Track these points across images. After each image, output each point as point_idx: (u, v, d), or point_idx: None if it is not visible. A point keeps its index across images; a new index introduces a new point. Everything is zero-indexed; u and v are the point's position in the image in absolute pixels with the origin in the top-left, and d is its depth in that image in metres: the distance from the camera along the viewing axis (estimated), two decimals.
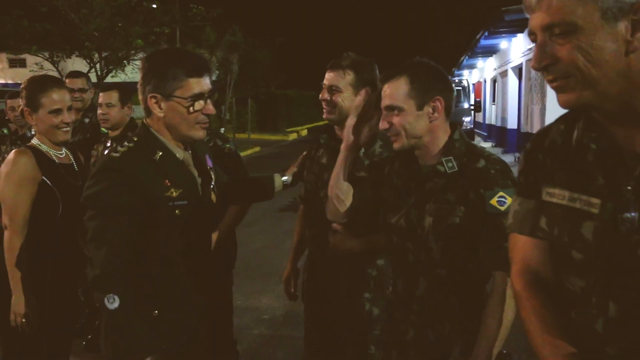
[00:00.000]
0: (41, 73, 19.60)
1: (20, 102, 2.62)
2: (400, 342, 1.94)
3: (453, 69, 29.35)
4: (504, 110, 19.34)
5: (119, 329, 1.76)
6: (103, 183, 1.77)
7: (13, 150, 2.57)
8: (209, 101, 1.86)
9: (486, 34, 15.97)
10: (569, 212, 1.19)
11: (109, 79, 20.00)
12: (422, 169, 1.90)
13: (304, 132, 30.73)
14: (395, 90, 1.84)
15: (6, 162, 2.52)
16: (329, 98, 2.39)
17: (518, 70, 17.17)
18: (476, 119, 24.31)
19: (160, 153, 1.85)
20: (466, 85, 18.97)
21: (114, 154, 1.82)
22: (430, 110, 1.84)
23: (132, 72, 20.52)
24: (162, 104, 1.82)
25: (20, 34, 18.87)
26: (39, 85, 2.57)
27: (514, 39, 16.84)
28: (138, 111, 3.12)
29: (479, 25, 17.39)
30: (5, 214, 2.50)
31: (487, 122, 24.08)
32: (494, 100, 22.51)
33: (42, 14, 18.42)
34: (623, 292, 1.11)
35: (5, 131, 5.15)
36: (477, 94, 26.81)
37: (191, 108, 1.82)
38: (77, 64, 20.91)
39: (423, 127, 1.85)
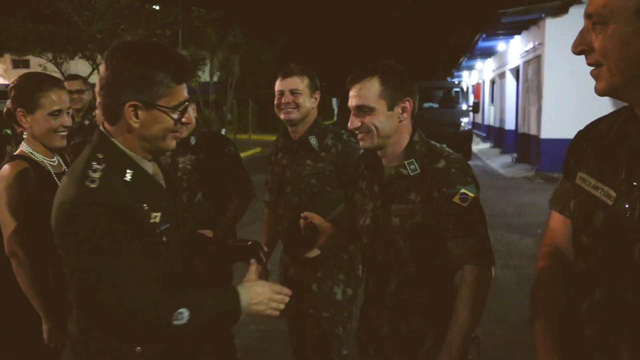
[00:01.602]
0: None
1: (8, 102, 2.33)
2: (376, 337, 2.01)
3: (452, 70, 29.44)
4: (502, 111, 19.43)
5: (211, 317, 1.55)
6: (85, 222, 1.45)
7: (7, 165, 2.26)
8: (189, 109, 1.67)
9: (484, 36, 16.08)
10: (589, 199, 1.25)
11: None
12: (386, 171, 1.97)
13: None
14: (367, 91, 1.89)
15: (1, 180, 2.22)
16: (291, 100, 2.69)
17: (515, 72, 17.27)
18: (475, 120, 24.40)
19: (131, 172, 1.55)
20: (464, 87, 19.06)
21: (90, 183, 1.47)
22: (400, 111, 1.90)
23: None
24: (140, 113, 1.52)
25: (24, 35, 19.00)
26: (36, 84, 2.29)
27: (511, 41, 16.94)
28: None
29: (478, 27, 17.52)
30: (10, 240, 2.21)
31: (486, 123, 24.17)
32: (492, 102, 22.62)
33: (45, 15, 18.53)
34: (611, 282, 1.18)
35: (9, 132, 5.29)
36: (477, 95, 26.89)
37: (177, 118, 1.58)
38: (80, 65, 21.11)
39: (392, 127, 1.90)
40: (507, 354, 3.83)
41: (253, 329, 4.40)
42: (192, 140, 3.07)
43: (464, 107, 16.90)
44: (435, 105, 17.41)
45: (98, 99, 1.57)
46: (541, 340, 1.31)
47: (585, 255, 1.26)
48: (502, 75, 19.76)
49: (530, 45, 14.34)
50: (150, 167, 1.64)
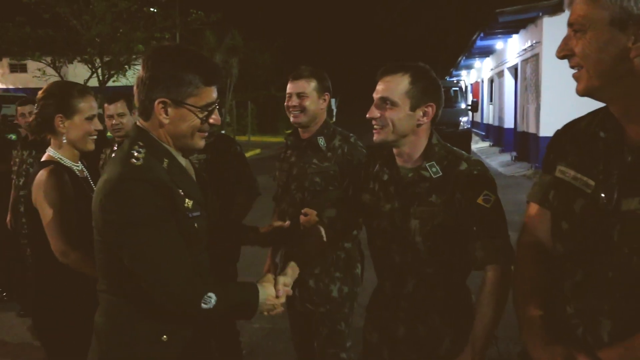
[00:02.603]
0: (44, 78, 19.64)
1: (35, 111, 2.42)
2: (392, 340, 1.99)
3: (451, 70, 29.50)
4: (501, 110, 19.51)
5: (236, 309, 1.66)
6: (129, 195, 1.54)
7: (42, 171, 2.32)
8: (215, 110, 1.73)
9: (482, 35, 16.15)
10: (569, 189, 1.38)
11: (110, 84, 20.27)
12: (401, 173, 1.96)
13: None
14: (395, 85, 1.89)
15: (40, 186, 2.29)
16: (297, 103, 2.74)
17: (514, 70, 17.32)
18: (474, 119, 24.46)
19: (167, 161, 1.66)
20: (463, 86, 19.14)
21: (134, 160, 1.59)
22: (421, 114, 1.90)
23: (133, 77, 20.72)
24: (170, 110, 1.63)
25: (23, 40, 19.04)
26: (73, 91, 2.41)
27: (509, 40, 17.02)
28: None
29: (475, 27, 17.58)
30: (58, 241, 2.26)
31: (485, 121, 24.23)
32: (491, 100, 22.68)
33: (44, 20, 18.59)
34: (590, 263, 1.31)
35: (14, 137, 5.36)
36: (475, 94, 26.96)
37: (203, 118, 1.67)
38: (78, 69, 21.17)
39: (409, 127, 1.90)
40: (507, 347, 3.88)
41: (257, 327, 4.46)
42: None
43: (463, 106, 16.98)
44: None
45: (136, 97, 1.68)
46: (526, 319, 1.41)
47: (565, 240, 1.39)
48: (500, 74, 19.83)
49: (528, 44, 14.40)
50: (183, 161, 1.75)
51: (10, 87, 30.34)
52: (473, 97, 24.47)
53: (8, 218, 4.97)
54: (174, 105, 1.63)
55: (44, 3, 18.01)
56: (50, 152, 2.41)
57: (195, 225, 1.67)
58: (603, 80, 1.27)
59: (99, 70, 20.10)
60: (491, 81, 22.84)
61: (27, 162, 4.72)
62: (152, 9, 20.11)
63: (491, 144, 20.82)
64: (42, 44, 19.33)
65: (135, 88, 1.68)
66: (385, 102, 1.90)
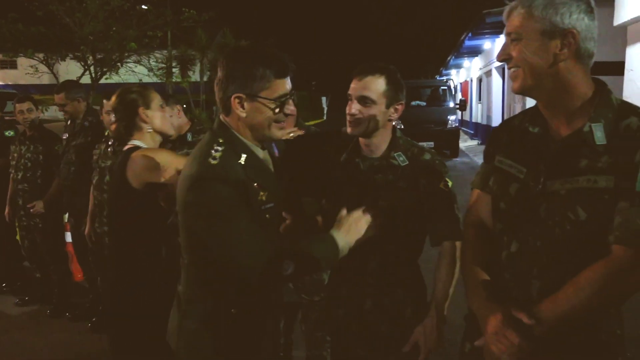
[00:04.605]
0: (36, 75, 19.48)
1: (113, 118, 2.59)
2: (359, 313, 2.19)
3: (441, 69, 29.74)
4: (489, 108, 19.73)
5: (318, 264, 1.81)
6: (206, 192, 1.70)
7: (138, 154, 2.42)
8: (290, 101, 1.85)
9: (470, 35, 16.36)
10: (505, 175, 1.65)
11: (102, 81, 20.34)
12: (367, 162, 2.19)
13: None
14: (374, 86, 2.10)
15: (145, 164, 2.38)
16: None
17: (501, 70, 17.56)
18: (463, 118, 24.71)
19: (245, 155, 1.80)
20: (451, 85, 19.33)
21: (212, 160, 1.74)
22: (393, 111, 2.14)
23: (125, 74, 20.81)
24: (246, 104, 1.78)
25: (15, 37, 19.06)
26: (134, 88, 2.63)
27: (497, 40, 17.20)
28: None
29: (464, 27, 17.81)
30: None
31: (473, 120, 24.47)
32: (480, 99, 22.92)
33: (37, 17, 18.64)
34: (523, 235, 1.58)
35: (12, 133, 5.51)
36: (464, 93, 27.21)
37: (277, 109, 1.80)
38: (71, 66, 21.21)
39: (383, 122, 2.14)
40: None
41: None
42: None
43: (451, 104, 17.16)
44: (423, 104, 17.68)
45: (217, 96, 1.83)
46: (472, 284, 1.67)
47: (503, 218, 1.66)
48: (488, 74, 20.05)
49: None
50: (261, 153, 1.89)
51: (0, 83, 30.21)
52: (462, 96, 24.67)
53: (6, 211, 5.14)
54: (249, 99, 1.77)
55: (37, 0, 18.07)
56: (134, 142, 2.55)
57: (267, 216, 1.81)
58: (535, 80, 1.53)
59: (92, 68, 20.18)
60: (480, 80, 23.06)
61: (25, 156, 4.88)
62: (144, 7, 20.21)
63: (479, 142, 21.04)
64: (35, 41, 19.36)
65: (215, 88, 1.83)
66: (365, 101, 2.10)
